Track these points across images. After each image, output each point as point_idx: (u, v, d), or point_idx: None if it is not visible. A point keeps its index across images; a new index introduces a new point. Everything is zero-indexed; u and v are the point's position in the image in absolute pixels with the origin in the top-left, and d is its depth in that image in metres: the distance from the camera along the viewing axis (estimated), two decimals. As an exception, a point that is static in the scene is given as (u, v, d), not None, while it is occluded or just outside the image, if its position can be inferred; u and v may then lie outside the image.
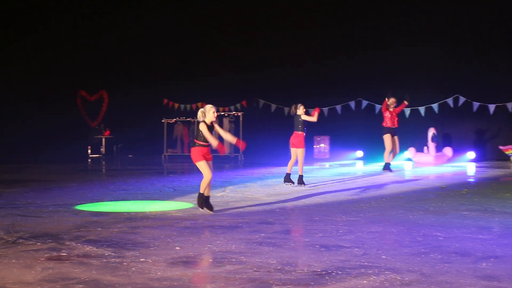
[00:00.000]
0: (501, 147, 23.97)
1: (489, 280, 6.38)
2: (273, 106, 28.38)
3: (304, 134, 15.37)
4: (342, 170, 21.35)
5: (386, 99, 17.03)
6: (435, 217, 10.59)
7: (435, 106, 25.67)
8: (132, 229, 9.58)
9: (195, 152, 10.97)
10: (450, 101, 25.38)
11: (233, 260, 7.39)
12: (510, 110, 24.32)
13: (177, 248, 8.12)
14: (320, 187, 15.71)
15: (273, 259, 7.44)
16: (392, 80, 26.15)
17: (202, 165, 10.97)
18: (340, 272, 6.75)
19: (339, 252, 7.83)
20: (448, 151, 23.65)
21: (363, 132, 26.44)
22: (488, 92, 24.87)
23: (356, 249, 8.00)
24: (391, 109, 16.51)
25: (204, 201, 11.19)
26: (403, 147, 24.70)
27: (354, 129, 26.51)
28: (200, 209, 11.19)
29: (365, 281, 6.38)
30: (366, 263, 7.19)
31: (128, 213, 11.40)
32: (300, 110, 15.37)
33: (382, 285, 6.27)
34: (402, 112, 25.60)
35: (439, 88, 25.59)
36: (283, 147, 27.64)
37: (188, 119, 28.77)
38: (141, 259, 7.41)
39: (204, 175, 11.04)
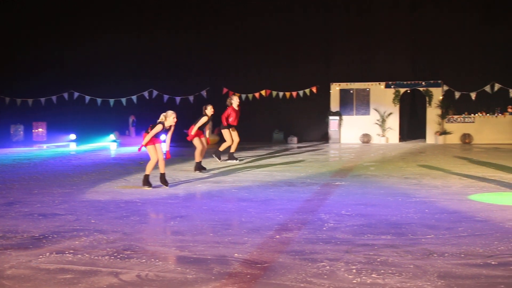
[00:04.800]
0: (185, 131, 24.79)
1: (176, 235, 6.61)
2: (19, 100, 26.43)
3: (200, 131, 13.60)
4: (58, 150, 20.65)
5: (232, 96, 15.88)
6: (135, 186, 10.70)
7: (134, 97, 25.91)
8: None
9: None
10: (146, 94, 25.76)
11: (-42, 231, 6.79)
12: (191, 101, 25.30)
13: None
14: (39, 165, 15.03)
15: (-5, 228, 6.97)
16: (100, 76, 25.82)
17: (148, 150, 10.50)
18: (55, 236, 6.53)
19: (55, 219, 7.57)
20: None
21: (75, 117, 25.75)
22: (175, 87, 25.64)
23: (70, 216, 7.80)
24: (235, 107, 15.37)
25: (160, 178, 10.65)
26: (110, 131, 24.58)
27: (68, 116, 25.69)
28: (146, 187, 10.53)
29: (77, 242, 6.25)
30: (78, 227, 7.05)
31: None
32: (209, 110, 13.69)
33: (91, 244, 6.19)
34: (106, 102, 25.45)
35: (138, 83, 25.83)
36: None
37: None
38: None
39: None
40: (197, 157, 13.39)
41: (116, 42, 25.84)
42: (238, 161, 15.55)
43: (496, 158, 16.03)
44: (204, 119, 13.53)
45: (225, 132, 15.58)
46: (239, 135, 15.81)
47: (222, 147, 15.57)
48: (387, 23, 24.67)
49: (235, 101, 15.60)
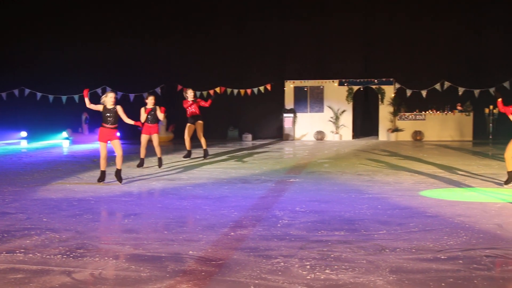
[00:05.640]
0: (140, 128, 24.54)
1: (130, 233, 6.55)
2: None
3: (155, 124, 13.81)
4: (8, 148, 20.18)
5: (186, 89, 15.50)
6: (89, 184, 10.55)
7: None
8: None
9: (99, 132, 10.73)
10: (99, 90, 25.36)
11: None
12: (144, 97, 24.95)
13: None
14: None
15: None
16: (52, 72, 25.35)
17: (100, 146, 10.66)
18: (6, 235, 6.39)
19: (5, 218, 7.40)
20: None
21: (27, 115, 25.21)
22: (129, 84, 25.32)
23: (21, 214, 7.65)
24: (190, 100, 15.02)
25: (115, 173, 10.74)
26: (62, 129, 24.16)
27: (19, 113, 25.16)
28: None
29: (28, 241, 6.13)
30: (29, 226, 6.91)
31: None
32: (149, 101, 13.82)
33: (43, 243, 6.08)
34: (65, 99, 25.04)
35: (91, 80, 25.34)
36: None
37: None
38: None
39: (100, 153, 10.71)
40: (142, 153, 13.65)
41: (69, 39, 25.39)
42: (205, 158, 15.56)
43: (446, 154, 16.39)
44: (142, 110, 13.63)
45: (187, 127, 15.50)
46: (189, 131, 15.45)
47: (188, 145, 15.40)
48: (341, 22, 24.93)
49: (189, 94, 15.51)
